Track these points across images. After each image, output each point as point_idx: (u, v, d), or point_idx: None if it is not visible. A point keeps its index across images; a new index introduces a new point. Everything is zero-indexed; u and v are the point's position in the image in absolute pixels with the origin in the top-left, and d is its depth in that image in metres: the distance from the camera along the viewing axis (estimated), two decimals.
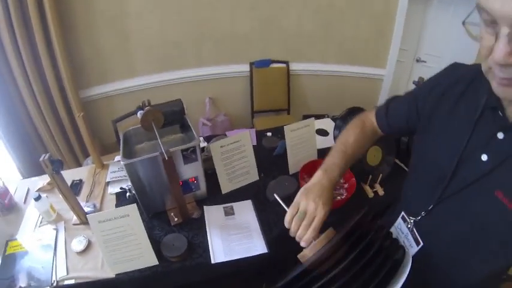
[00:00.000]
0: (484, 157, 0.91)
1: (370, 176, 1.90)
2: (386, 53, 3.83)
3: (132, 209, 1.41)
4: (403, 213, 1.16)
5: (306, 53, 3.76)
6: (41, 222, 1.82)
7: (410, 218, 1.12)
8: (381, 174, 1.91)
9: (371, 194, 1.89)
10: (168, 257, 1.53)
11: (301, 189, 1.12)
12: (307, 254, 0.98)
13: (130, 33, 3.23)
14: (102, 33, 3.15)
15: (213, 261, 1.52)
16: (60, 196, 1.71)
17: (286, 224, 1.07)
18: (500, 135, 0.88)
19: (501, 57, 0.66)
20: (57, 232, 1.75)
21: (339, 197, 1.80)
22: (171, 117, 1.71)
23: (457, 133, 0.99)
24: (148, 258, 1.51)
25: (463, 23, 0.77)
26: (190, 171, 1.70)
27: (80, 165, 3.31)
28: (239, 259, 1.53)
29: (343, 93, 4.04)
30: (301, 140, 1.95)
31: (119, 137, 1.76)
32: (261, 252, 1.55)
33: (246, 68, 3.69)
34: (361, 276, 0.84)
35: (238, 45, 3.58)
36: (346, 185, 1.87)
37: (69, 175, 2.08)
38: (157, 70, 3.50)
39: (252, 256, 1.54)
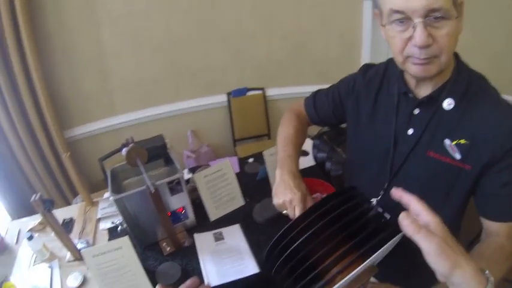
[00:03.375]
0: (410, 131, 1.18)
1: None
2: (357, 68, 3.91)
3: (125, 242, 1.45)
4: None
5: (280, 78, 3.84)
6: (34, 262, 1.82)
7: (372, 199, 1.20)
8: None
9: None
10: (164, 285, 1.54)
11: (272, 194, 1.27)
12: None
13: (109, 72, 3.30)
14: (82, 73, 3.21)
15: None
16: (52, 235, 1.74)
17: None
18: (416, 111, 1.17)
19: (423, 40, 0.91)
20: (51, 270, 1.75)
21: None
22: (155, 152, 1.76)
23: (385, 121, 1.25)
24: None
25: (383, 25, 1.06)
26: (178, 202, 1.76)
27: (68, 204, 3.30)
28: (233, 281, 1.57)
29: None
30: None
31: (106, 174, 1.80)
32: (253, 273, 1.59)
33: (223, 98, 3.76)
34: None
35: (214, 77, 3.66)
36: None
37: (60, 214, 2.09)
38: (138, 107, 3.56)
39: (245, 277, 1.58)
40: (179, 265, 1.65)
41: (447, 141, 1.10)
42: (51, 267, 1.78)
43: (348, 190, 0.89)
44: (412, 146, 1.16)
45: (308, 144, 2.51)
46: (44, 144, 3.16)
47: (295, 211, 1.15)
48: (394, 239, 0.81)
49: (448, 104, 1.09)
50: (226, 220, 1.92)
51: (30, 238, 1.76)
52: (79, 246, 1.84)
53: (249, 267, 1.63)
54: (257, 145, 3.86)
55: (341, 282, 0.72)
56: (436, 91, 1.11)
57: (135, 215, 1.69)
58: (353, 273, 0.72)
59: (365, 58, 3.79)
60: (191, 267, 1.68)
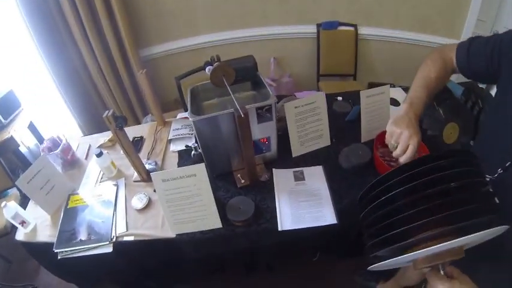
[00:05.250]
0: None
1: None
2: (462, 22, 3.47)
3: (200, 169, 1.34)
4: None
5: (375, 17, 3.49)
6: (101, 178, 1.84)
7: (486, 176, 1.04)
8: None
9: None
10: (234, 221, 1.46)
11: (390, 121, 1.19)
12: None
13: None
14: None
15: (280, 229, 1.44)
16: (121, 153, 1.72)
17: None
18: None
19: None
20: (117, 188, 1.75)
21: None
22: (243, 73, 1.61)
23: None
24: (212, 221, 1.46)
25: None
26: (263, 131, 1.60)
27: (138, 123, 3.30)
28: (306, 228, 1.44)
29: (412, 62, 3.70)
30: (375, 107, 1.79)
31: (182, 94, 1.67)
32: (330, 223, 1.44)
33: (312, 29, 3.50)
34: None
35: (304, 5, 3.38)
36: None
37: (130, 132, 2.03)
38: (220, 28, 3.40)
39: (320, 226, 1.44)
40: (252, 201, 1.51)
41: None
42: (117, 185, 1.77)
43: (464, 154, 0.85)
44: None
45: (400, 95, 2.29)
46: (119, 62, 3.13)
47: (400, 147, 1.12)
48: (499, 228, 0.74)
49: None
50: (308, 159, 1.77)
51: (99, 154, 1.76)
52: (147, 166, 1.78)
53: (327, 216, 1.48)
54: (341, 84, 3.63)
55: (422, 250, 0.72)
56: None
57: (212, 140, 1.56)
58: (440, 245, 0.70)
59: (474, 9, 3.33)
60: (265, 205, 1.55)
